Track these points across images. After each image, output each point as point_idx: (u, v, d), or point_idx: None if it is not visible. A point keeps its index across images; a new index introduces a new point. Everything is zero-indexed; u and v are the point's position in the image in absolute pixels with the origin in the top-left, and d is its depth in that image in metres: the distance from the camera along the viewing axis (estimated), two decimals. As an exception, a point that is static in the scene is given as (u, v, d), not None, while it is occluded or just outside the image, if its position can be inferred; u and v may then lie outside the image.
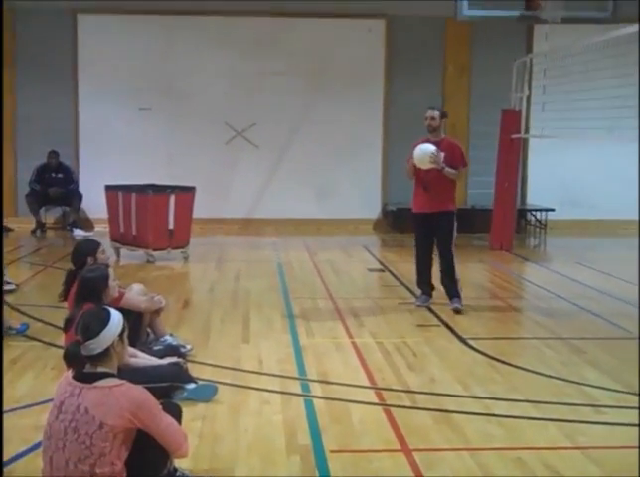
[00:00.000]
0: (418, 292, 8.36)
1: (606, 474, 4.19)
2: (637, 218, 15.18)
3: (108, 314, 3.71)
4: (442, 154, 7.81)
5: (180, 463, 3.95)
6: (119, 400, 3.50)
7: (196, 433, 4.58)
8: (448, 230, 7.98)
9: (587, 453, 4.44)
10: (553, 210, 14.83)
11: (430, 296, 8.25)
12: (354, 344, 6.73)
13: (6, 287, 8.00)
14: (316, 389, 5.53)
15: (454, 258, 8.01)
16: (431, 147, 7.76)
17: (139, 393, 3.60)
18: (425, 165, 7.78)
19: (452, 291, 8.05)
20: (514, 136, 12.45)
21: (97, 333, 3.60)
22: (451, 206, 8.01)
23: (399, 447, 4.51)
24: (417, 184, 8.08)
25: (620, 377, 5.86)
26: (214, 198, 14.34)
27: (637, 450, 4.52)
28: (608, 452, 4.50)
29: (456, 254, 8.06)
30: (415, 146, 7.95)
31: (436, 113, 8.01)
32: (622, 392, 5.52)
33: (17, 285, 8.67)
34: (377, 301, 8.59)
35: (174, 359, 5.51)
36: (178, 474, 3.90)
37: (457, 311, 7.85)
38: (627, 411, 5.16)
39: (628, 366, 6.16)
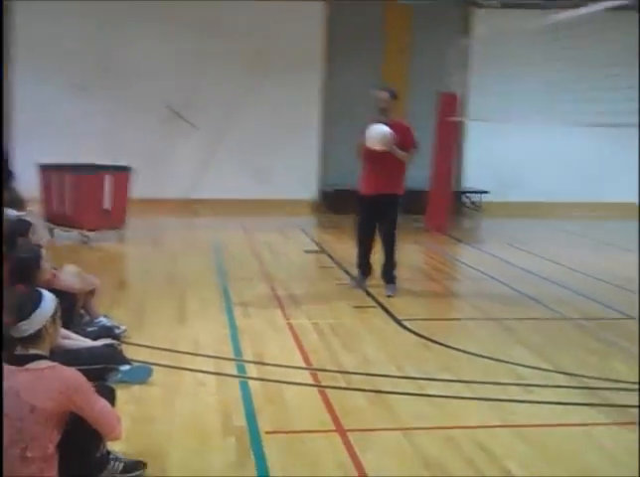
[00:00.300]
0: (356, 273, 8.36)
1: (534, 451, 4.30)
2: (569, 200, 15.58)
3: (40, 295, 3.66)
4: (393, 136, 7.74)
5: (113, 446, 3.92)
6: (51, 383, 3.45)
7: (130, 416, 4.55)
8: (393, 213, 7.95)
9: (516, 431, 4.55)
10: (487, 192, 15.06)
11: (367, 277, 8.23)
12: (290, 325, 6.76)
13: None
14: (252, 370, 5.55)
15: (395, 242, 8.01)
16: (385, 129, 7.69)
17: (72, 375, 3.56)
18: (376, 146, 7.71)
19: (389, 276, 8.03)
20: (451, 119, 12.58)
21: (29, 314, 3.55)
22: (399, 189, 7.97)
23: (333, 428, 4.56)
24: (366, 165, 7.98)
25: (548, 356, 6.00)
26: (151, 178, 14.14)
27: (563, 428, 4.67)
28: (536, 430, 4.62)
29: (398, 238, 8.06)
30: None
31: (385, 94, 7.90)
32: (550, 370, 5.67)
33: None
34: (313, 282, 8.63)
35: (108, 340, 5.46)
36: (111, 457, 3.87)
37: (390, 297, 7.82)
38: (554, 390, 5.30)
39: (556, 345, 6.33)
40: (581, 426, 4.67)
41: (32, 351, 3.54)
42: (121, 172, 11.12)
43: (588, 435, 4.52)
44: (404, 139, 7.81)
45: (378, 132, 7.70)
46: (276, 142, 14.98)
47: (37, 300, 3.61)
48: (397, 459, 4.16)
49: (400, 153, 7.75)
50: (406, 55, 15.14)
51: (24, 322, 3.53)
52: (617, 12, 8.70)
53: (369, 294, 7.94)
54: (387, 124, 7.76)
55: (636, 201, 15.57)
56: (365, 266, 8.22)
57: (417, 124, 14.52)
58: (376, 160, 7.80)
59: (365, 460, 4.12)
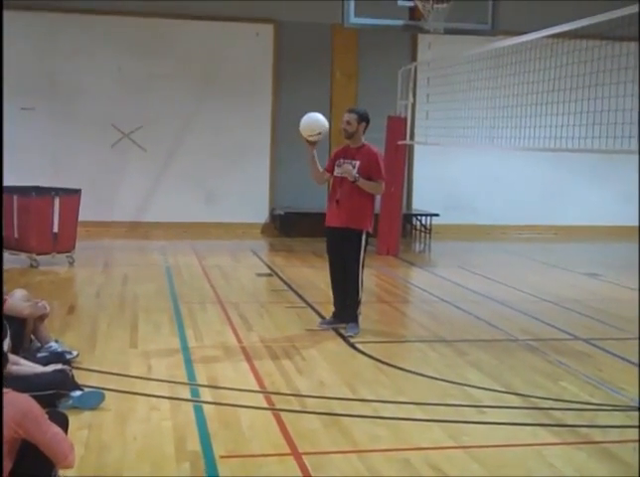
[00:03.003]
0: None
1: (487, 471, 4.34)
2: (520, 223, 15.85)
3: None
4: (357, 163, 7.13)
5: (65, 473, 3.87)
6: (4, 409, 3.40)
7: (82, 442, 4.50)
8: (354, 249, 7.11)
9: (470, 452, 4.59)
10: (437, 215, 15.24)
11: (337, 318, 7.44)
12: (243, 348, 6.74)
13: None
14: (205, 394, 5.51)
15: (359, 280, 7.20)
16: (317, 117, 7.21)
17: (24, 401, 3.51)
18: (309, 135, 7.12)
19: (350, 314, 7.28)
20: (400, 142, 12.72)
21: None
22: (362, 223, 7.15)
23: (288, 451, 4.55)
24: (331, 195, 7.36)
25: (500, 377, 6.08)
26: (100, 201, 14.08)
27: (514, 448, 4.73)
28: (489, 450, 4.66)
29: (362, 275, 7.27)
30: (335, 153, 7.41)
31: (353, 116, 7.16)
32: (501, 391, 5.73)
33: None
34: (265, 305, 8.62)
35: (59, 366, 5.39)
36: (64, 484, 3.82)
37: (350, 337, 7.10)
38: (506, 411, 5.36)
39: (507, 366, 6.41)
40: (533, 446, 4.73)
41: (-16, 378, 3.50)
42: (70, 195, 11.00)
43: (540, 455, 4.58)
44: (370, 168, 7.15)
45: (314, 120, 7.17)
46: (227, 165, 14.99)
47: None
48: (352, 482, 4.18)
49: (363, 182, 7.08)
50: (355, 78, 15.30)
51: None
52: (558, 39, 8.94)
53: (321, 316, 7.94)
54: (355, 150, 7.22)
55: (576, 223, 15.97)
56: (336, 306, 7.47)
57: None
58: (337, 189, 7.23)
59: (320, 483, 4.13)
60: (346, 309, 7.37)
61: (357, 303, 7.29)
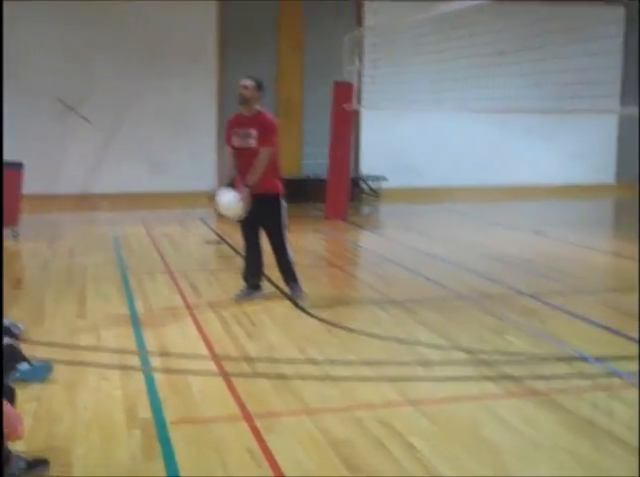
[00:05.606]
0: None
1: (437, 426, 4.42)
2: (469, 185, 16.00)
3: None
4: (254, 132, 6.99)
5: (15, 445, 3.84)
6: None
7: (31, 413, 4.47)
8: (275, 212, 7.15)
9: (419, 408, 4.67)
10: (385, 178, 15.31)
11: (256, 289, 7.42)
12: (192, 315, 6.74)
13: None
14: (156, 362, 5.51)
15: (286, 243, 7.26)
16: (229, 199, 7.10)
17: (-31, 376, 3.48)
18: (233, 213, 7.17)
19: (288, 277, 7.38)
20: (346, 106, 12.70)
21: None
22: (273, 187, 7.11)
23: (239, 414, 4.58)
24: (237, 167, 7.24)
25: (448, 335, 6.17)
26: (46, 174, 13.88)
27: (463, 402, 4.82)
28: (438, 406, 4.74)
29: (288, 238, 7.30)
30: (229, 122, 7.27)
31: (248, 82, 7.01)
32: (449, 348, 5.83)
33: None
34: (215, 273, 8.62)
35: (5, 340, 5.33)
36: (12, 456, 3.80)
37: (297, 297, 7.24)
38: (454, 367, 5.45)
39: (454, 324, 6.51)
40: (480, 400, 4.82)
41: None
42: (12, 168, 10.78)
43: (487, 408, 4.67)
44: (263, 135, 7.02)
45: (224, 203, 7.16)
46: (173, 135, 14.89)
47: None
48: (304, 442, 4.21)
49: (252, 179, 6.98)
50: (300, 48, 15.21)
51: None
52: (504, 1, 9.00)
53: (270, 281, 7.95)
54: (249, 118, 7.06)
55: (523, 183, 16.18)
56: (251, 276, 7.40)
57: (314, 115, 14.66)
58: (240, 161, 7.16)
59: (272, 445, 4.15)
60: (283, 273, 7.41)
61: (291, 264, 7.36)
